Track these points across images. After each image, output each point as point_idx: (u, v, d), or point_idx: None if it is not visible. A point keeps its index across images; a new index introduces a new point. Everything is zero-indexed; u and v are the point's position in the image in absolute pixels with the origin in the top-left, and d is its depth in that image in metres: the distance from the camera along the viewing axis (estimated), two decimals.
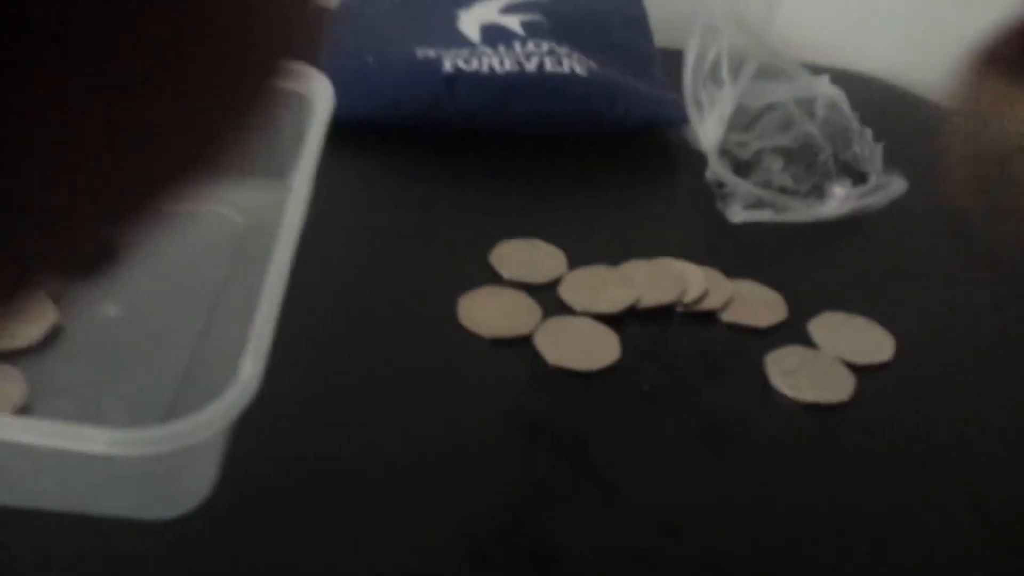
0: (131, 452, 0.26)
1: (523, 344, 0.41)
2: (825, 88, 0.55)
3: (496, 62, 0.53)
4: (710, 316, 0.45)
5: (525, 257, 0.46)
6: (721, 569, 0.33)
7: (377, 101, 0.51)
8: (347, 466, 0.35)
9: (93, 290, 0.36)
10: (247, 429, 0.31)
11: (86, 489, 0.29)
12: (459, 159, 0.52)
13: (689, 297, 0.45)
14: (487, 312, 0.42)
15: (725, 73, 0.54)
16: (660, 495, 0.35)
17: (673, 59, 0.57)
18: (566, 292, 0.44)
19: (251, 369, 0.28)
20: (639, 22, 0.61)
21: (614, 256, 0.47)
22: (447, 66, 0.52)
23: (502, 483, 0.35)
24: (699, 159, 0.56)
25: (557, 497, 0.34)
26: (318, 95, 0.42)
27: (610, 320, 0.43)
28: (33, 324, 0.36)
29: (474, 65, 0.53)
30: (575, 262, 0.46)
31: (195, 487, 0.30)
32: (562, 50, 0.54)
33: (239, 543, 0.31)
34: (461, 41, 0.56)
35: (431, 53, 0.54)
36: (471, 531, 0.32)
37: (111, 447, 0.26)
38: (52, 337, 0.36)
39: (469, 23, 0.58)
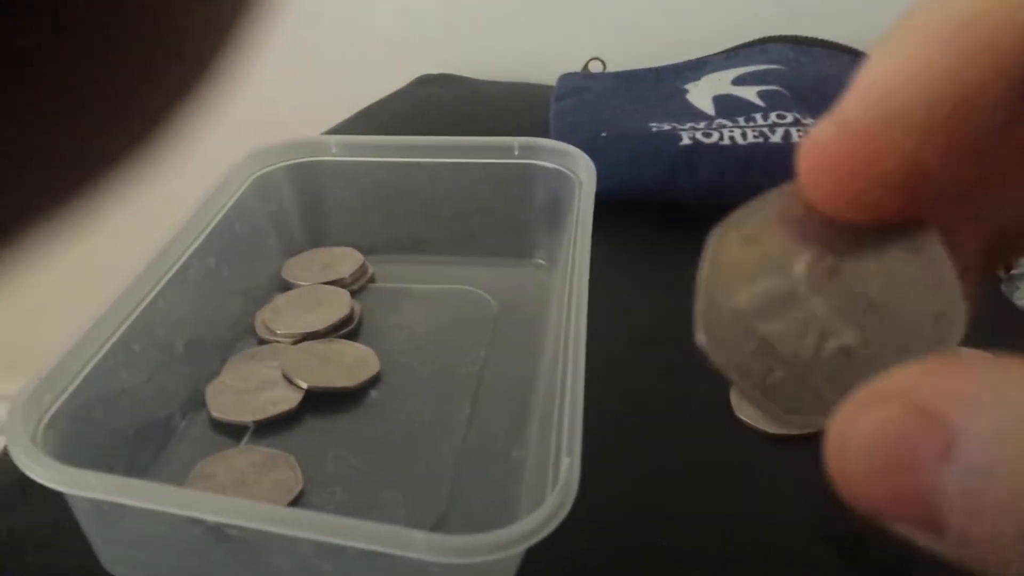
0: (455, 559, 0.23)
1: (812, 442, 0.36)
2: None
3: (737, 134, 0.50)
4: None
5: None
6: None
7: (614, 175, 0.49)
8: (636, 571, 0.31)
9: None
10: None
11: None
12: (701, 236, 0.49)
13: None
14: None
15: None
16: None
17: None
18: None
19: (571, 470, 0.25)
20: None
21: None
22: (685, 139, 0.50)
23: None
24: None
25: None
26: (581, 172, 0.40)
27: None
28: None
29: (713, 137, 0.50)
30: None
31: None
32: (808, 120, 0.51)
33: None
34: (695, 114, 0.53)
35: (666, 127, 0.51)
36: None
37: (431, 552, 0.23)
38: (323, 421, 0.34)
39: (700, 95, 0.55)
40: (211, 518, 0.25)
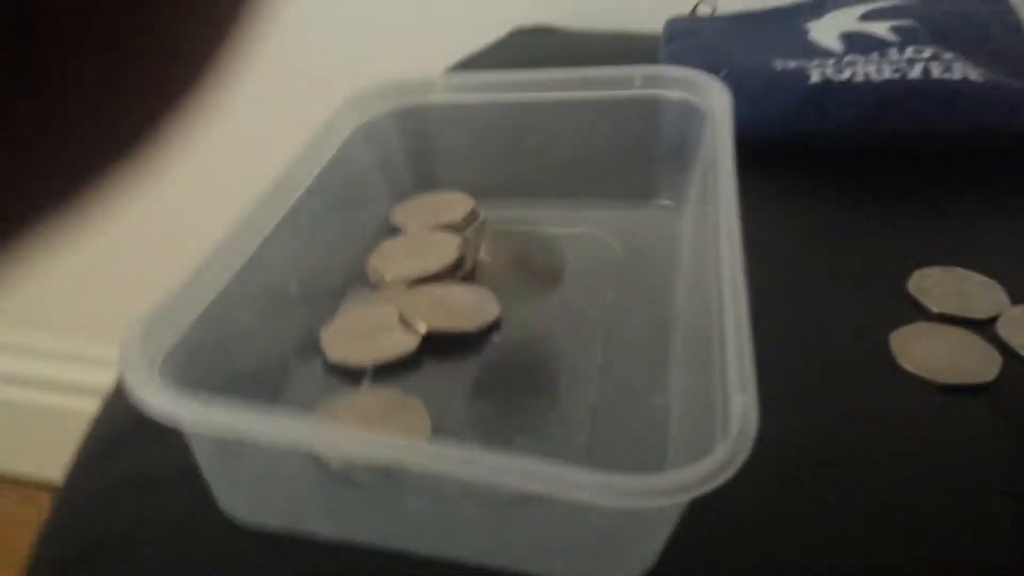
0: (627, 503, 0.20)
1: (987, 391, 0.32)
2: None
3: (872, 70, 0.46)
4: None
5: (952, 288, 0.37)
6: None
7: (736, 117, 0.45)
8: (795, 532, 0.27)
9: None
10: None
11: (538, 543, 0.24)
12: (838, 177, 0.45)
13: None
14: (929, 353, 0.34)
15: None
16: None
17: None
18: (1009, 332, 0.35)
19: (748, 410, 0.22)
20: (1018, 28, 0.52)
21: None
22: (814, 77, 0.46)
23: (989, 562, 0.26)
24: None
25: None
26: (714, 102, 0.36)
27: None
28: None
29: (845, 74, 0.46)
30: (1017, 296, 0.37)
31: (650, 550, 0.24)
32: (948, 55, 0.46)
33: None
34: (821, 51, 0.49)
35: (791, 64, 0.48)
36: None
37: (600, 494, 0.20)
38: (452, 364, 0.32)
39: (824, 33, 0.51)
40: (358, 456, 0.23)
